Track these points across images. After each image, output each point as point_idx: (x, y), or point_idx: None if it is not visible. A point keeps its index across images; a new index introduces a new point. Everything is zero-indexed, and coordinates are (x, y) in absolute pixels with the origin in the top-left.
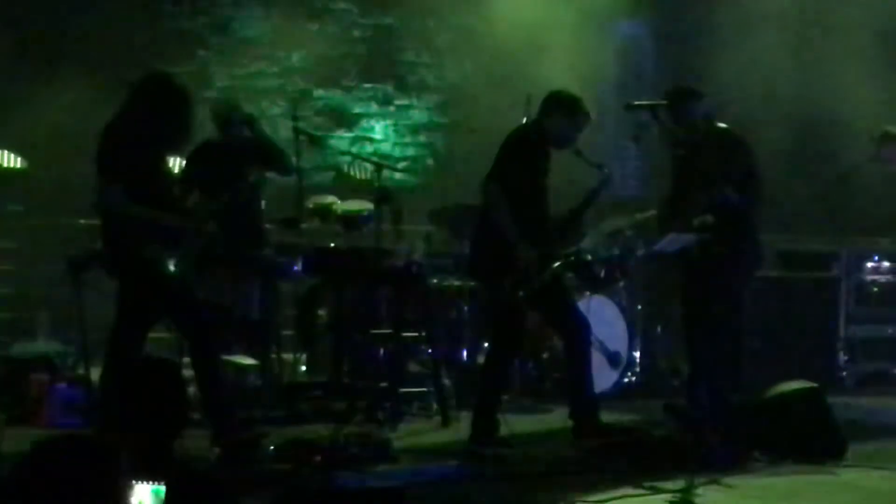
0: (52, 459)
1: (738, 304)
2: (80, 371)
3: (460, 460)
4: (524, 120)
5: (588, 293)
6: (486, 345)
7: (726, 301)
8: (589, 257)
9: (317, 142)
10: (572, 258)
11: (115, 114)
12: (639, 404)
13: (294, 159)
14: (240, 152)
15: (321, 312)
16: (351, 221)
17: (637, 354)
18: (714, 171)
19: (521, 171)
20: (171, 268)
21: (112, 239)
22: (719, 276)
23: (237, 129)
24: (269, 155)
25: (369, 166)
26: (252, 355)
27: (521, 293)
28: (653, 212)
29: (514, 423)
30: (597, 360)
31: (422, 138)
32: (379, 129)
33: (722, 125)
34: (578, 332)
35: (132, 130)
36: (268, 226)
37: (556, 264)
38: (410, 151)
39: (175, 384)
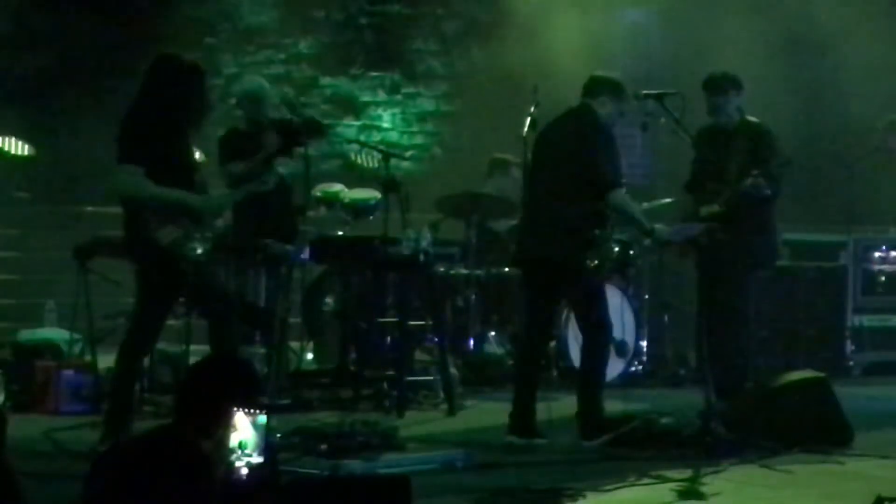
0: (140, 457)
1: (744, 292)
2: (87, 358)
3: (467, 449)
4: (532, 109)
5: None
6: (492, 334)
7: (732, 289)
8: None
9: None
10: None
11: (133, 100)
12: (645, 393)
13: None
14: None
15: (328, 300)
16: (358, 210)
17: (644, 343)
18: (748, 162)
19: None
20: (196, 251)
21: (132, 223)
22: (725, 264)
23: (264, 113)
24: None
25: (377, 154)
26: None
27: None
28: (660, 201)
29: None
30: None
31: (429, 127)
32: (386, 118)
33: (753, 119)
34: (602, 332)
35: (147, 114)
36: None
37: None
38: (418, 140)
39: None
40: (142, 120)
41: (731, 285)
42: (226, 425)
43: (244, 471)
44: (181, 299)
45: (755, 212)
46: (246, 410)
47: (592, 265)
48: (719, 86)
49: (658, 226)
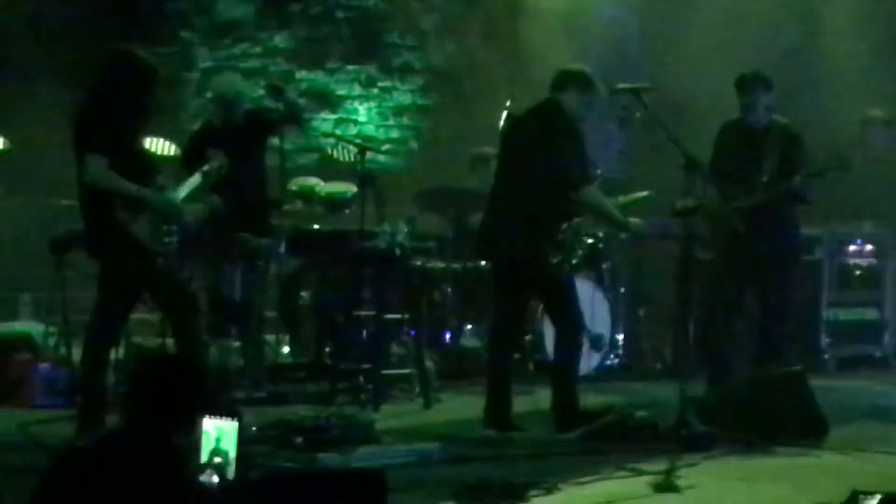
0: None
1: (787, 291)
2: (63, 351)
3: (443, 442)
4: (507, 104)
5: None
6: (468, 327)
7: (774, 290)
8: (601, 244)
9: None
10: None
11: (87, 93)
12: (621, 386)
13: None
14: (240, 135)
15: (304, 294)
16: (334, 203)
17: (620, 337)
18: (782, 163)
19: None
20: (170, 245)
21: (96, 216)
22: (761, 265)
23: (238, 112)
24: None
25: (353, 148)
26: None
27: (565, 268)
28: (637, 194)
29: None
30: None
31: (405, 120)
32: (362, 112)
33: (784, 119)
34: (573, 325)
35: (104, 106)
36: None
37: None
38: (394, 134)
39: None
40: (102, 112)
41: (771, 287)
42: (185, 424)
43: (214, 479)
44: (143, 294)
45: (787, 209)
46: (210, 413)
47: (556, 261)
48: (750, 84)
49: (632, 220)
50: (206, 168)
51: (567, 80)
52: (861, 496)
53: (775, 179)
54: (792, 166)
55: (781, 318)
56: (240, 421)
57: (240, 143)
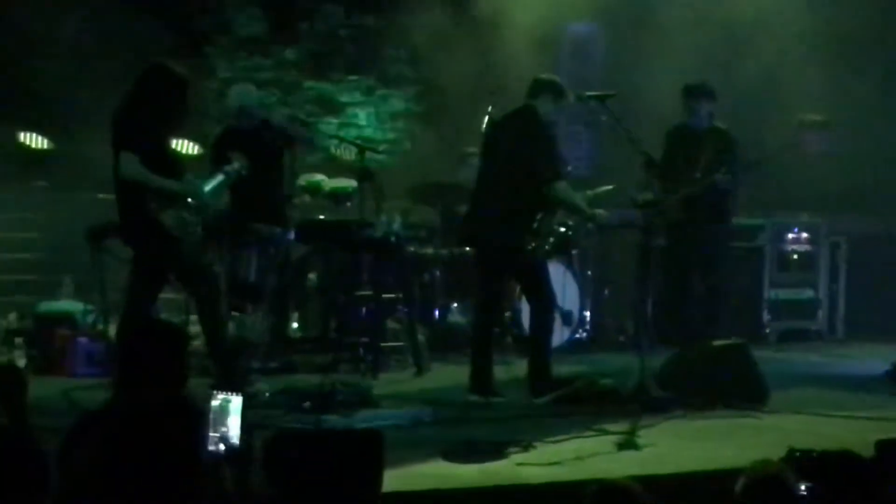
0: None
1: (718, 272)
2: (100, 327)
3: (433, 406)
4: (489, 109)
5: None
6: (455, 305)
7: (707, 271)
8: (570, 232)
9: (307, 126)
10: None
11: (123, 99)
12: (588, 357)
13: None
14: (254, 139)
15: (311, 276)
16: (337, 197)
17: (587, 314)
18: (714, 161)
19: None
20: (196, 233)
21: (130, 208)
22: (696, 249)
23: (248, 119)
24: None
25: (354, 148)
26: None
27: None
28: (603, 188)
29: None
30: None
31: (400, 124)
32: (362, 116)
33: (722, 126)
34: (546, 304)
35: (140, 111)
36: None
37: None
38: (390, 136)
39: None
40: (137, 116)
41: (705, 268)
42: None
43: (221, 447)
44: (172, 276)
45: (719, 201)
46: (220, 388)
47: (531, 247)
48: (693, 93)
49: (598, 211)
50: (227, 168)
51: (541, 88)
52: (797, 453)
53: (706, 175)
54: (721, 165)
55: (717, 296)
56: (245, 396)
57: (253, 146)
